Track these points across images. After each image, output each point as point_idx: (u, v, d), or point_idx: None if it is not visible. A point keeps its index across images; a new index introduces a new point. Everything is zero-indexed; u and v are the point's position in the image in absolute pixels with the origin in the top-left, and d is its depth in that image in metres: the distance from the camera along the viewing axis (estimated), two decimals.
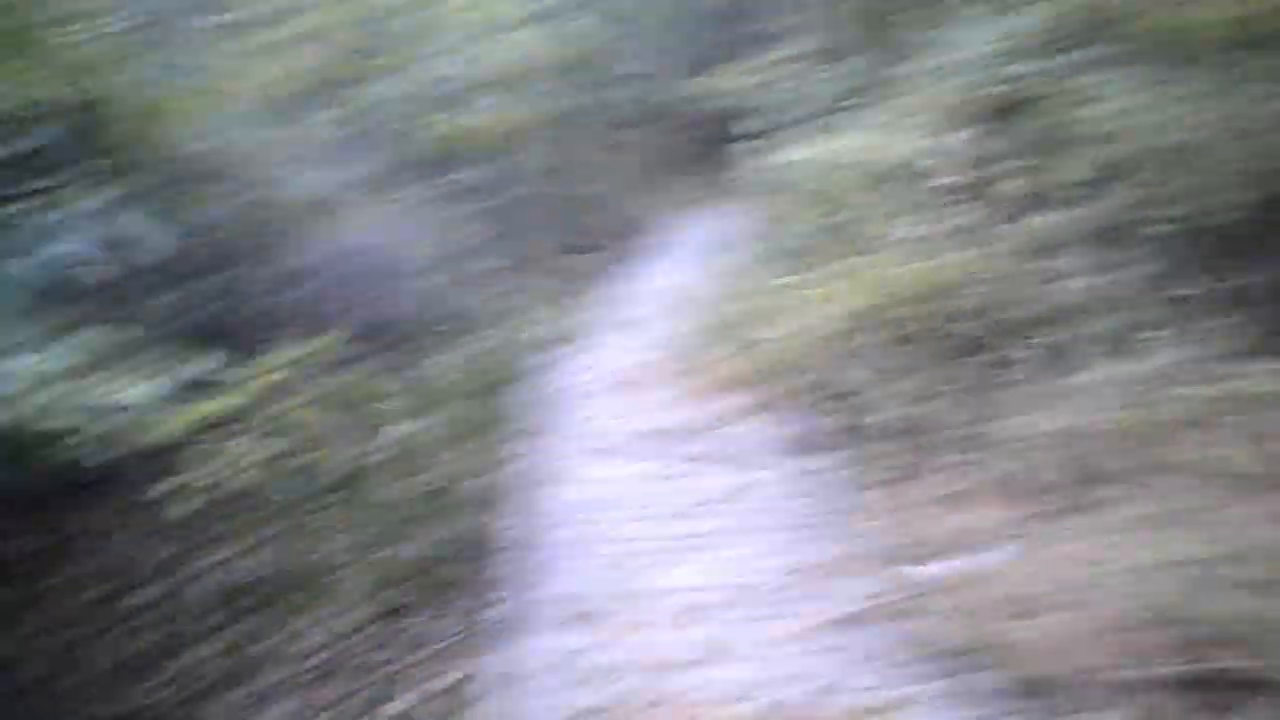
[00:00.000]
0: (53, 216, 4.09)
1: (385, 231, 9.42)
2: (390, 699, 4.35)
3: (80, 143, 4.85)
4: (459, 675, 4.49)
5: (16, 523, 6.17)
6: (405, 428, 7.16)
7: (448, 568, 5.38)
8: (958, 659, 4.00)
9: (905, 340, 6.53)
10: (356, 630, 4.86)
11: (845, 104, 9.57)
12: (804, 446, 6.49)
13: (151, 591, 5.38)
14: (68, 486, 6.51)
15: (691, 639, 4.43)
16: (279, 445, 3.99)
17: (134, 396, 3.46)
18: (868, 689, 3.98)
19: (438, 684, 4.48)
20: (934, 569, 4.62)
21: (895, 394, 6.23)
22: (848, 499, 5.72)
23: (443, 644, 4.79)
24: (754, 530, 5.42)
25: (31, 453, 3.88)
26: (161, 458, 3.78)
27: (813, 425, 6.64)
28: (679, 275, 11.43)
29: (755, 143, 10.42)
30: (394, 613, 5.05)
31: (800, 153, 8.90)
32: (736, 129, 11.19)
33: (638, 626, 4.57)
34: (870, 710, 3.86)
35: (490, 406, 7.79)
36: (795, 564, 4.99)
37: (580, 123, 15.35)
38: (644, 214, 17.25)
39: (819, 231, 8.35)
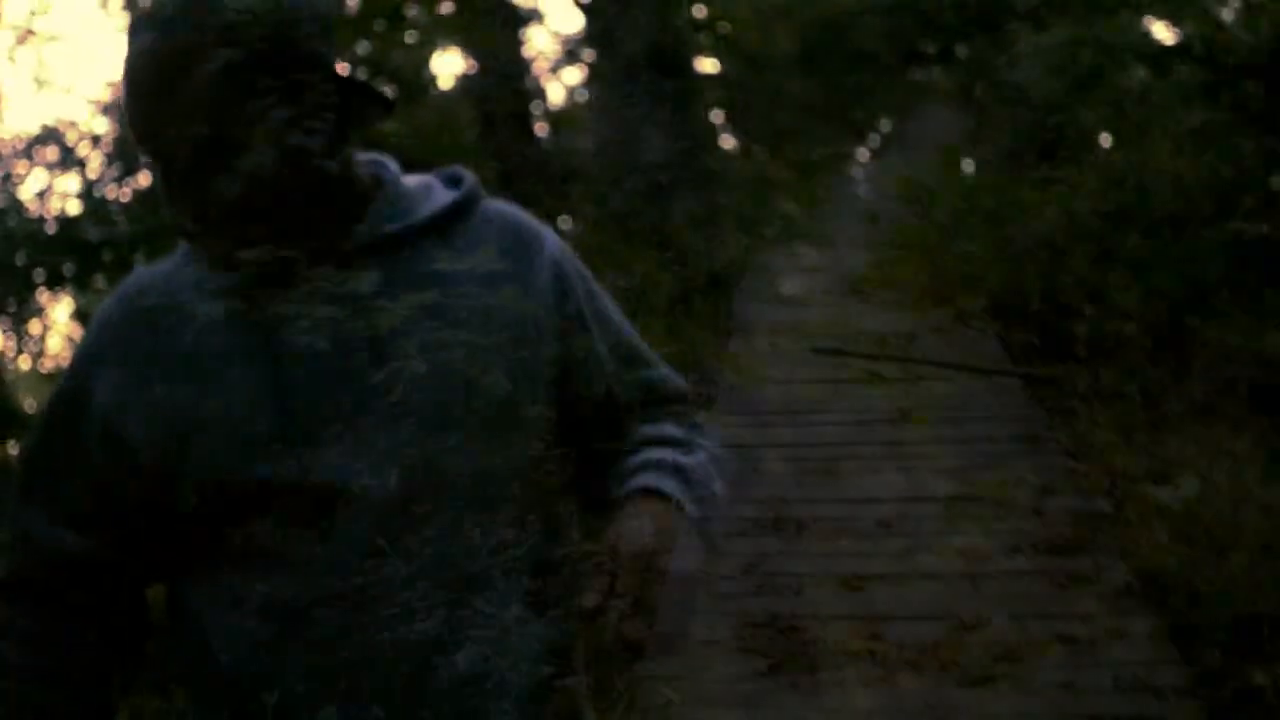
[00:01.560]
0: None
1: (610, 130, 9.34)
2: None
3: None
4: None
5: None
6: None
7: None
8: (1175, 594, 3.61)
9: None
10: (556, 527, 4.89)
11: None
12: (1019, 359, 6.12)
13: None
14: None
15: (885, 552, 4.21)
16: None
17: None
18: (1077, 618, 3.64)
19: None
20: (1160, 493, 4.17)
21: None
22: (1061, 415, 5.35)
23: None
24: (966, 441, 5.10)
25: None
26: None
27: (1029, 338, 6.24)
28: (921, 170, 10.91)
29: None
30: None
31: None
32: None
33: (832, 536, 4.39)
34: (1077, 641, 3.53)
35: (714, 304, 7.66)
36: (1006, 479, 4.65)
37: None
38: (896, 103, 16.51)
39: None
